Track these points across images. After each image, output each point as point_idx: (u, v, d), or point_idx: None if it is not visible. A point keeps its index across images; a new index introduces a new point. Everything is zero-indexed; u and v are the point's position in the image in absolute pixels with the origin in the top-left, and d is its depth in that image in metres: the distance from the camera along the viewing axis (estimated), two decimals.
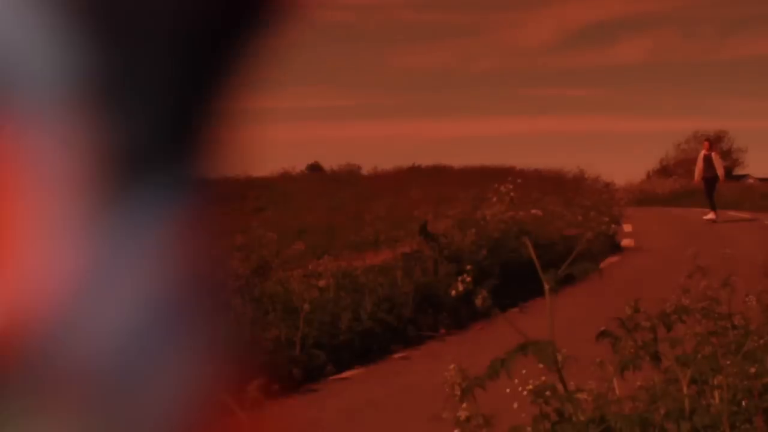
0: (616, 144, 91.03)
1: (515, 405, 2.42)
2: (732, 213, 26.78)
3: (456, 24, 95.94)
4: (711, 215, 22.90)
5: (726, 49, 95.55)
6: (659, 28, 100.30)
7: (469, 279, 1.99)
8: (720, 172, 22.94)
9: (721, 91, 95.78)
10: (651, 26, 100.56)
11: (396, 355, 9.13)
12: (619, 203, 24.47)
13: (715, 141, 37.84)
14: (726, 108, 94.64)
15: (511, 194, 2.45)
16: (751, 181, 52.29)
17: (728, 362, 2.66)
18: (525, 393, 2.23)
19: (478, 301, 1.99)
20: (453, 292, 2.00)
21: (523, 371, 2.24)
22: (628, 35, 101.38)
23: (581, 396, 2.25)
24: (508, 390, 2.33)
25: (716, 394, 2.65)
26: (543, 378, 2.23)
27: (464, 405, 1.96)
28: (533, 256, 2.17)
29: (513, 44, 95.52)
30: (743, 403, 2.67)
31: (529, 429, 2.21)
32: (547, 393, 2.17)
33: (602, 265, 15.72)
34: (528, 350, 1.98)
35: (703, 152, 23.48)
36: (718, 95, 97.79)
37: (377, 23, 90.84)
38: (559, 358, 2.14)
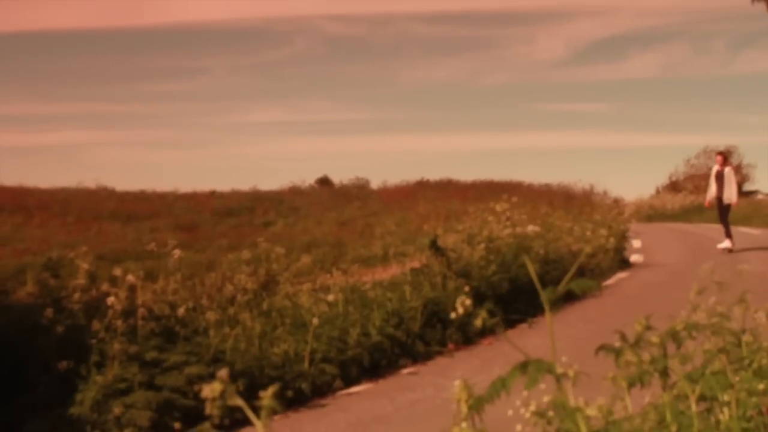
0: (626, 159, 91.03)
1: (519, 428, 2.41)
2: (742, 229, 26.72)
3: (466, 38, 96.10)
4: (726, 243, 19.44)
5: (737, 64, 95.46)
6: (670, 43, 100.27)
7: (469, 302, 1.99)
8: (732, 192, 19.41)
9: (731, 107, 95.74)
10: (661, 41, 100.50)
11: (404, 370, 9.12)
12: (628, 219, 23.83)
13: (728, 155, 36.81)
14: (736, 123, 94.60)
15: (508, 214, 2.42)
16: (761, 196, 52.19)
17: (738, 379, 2.66)
18: (528, 415, 2.22)
19: (477, 322, 1.97)
20: (452, 315, 1.99)
21: (524, 393, 2.23)
22: (638, 50, 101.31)
23: (590, 412, 2.24)
24: (510, 412, 2.33)
25: (725, 410, 2.64)
26: (546, 397, 2.22)
27: (464, 424, 1.95)
28: (533, 273, 2.16)
29: (523, 59, 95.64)
30: (752, 420, 2.66)
31: None
32: (550, 413, 2.16)
33: (611, 280, 15.71)
34: (528, 369, 1.97)
35: (716, 168, 19.88)
36: (728, 110, 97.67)
37: (388, 37, 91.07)
38: (570, 374, 2.14)
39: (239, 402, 1.41)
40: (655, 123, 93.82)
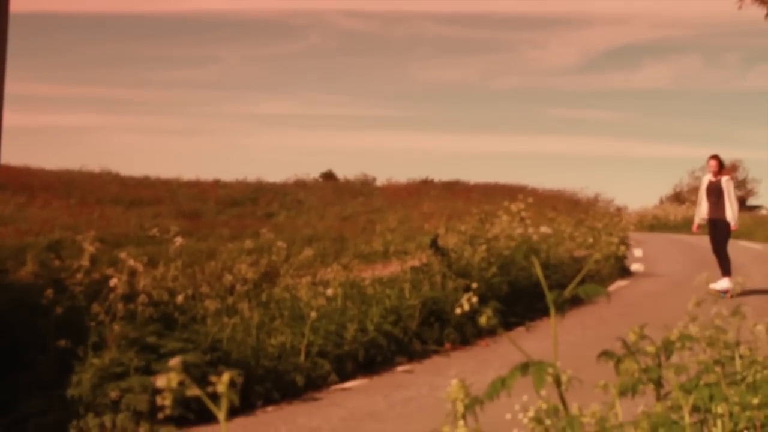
0: (633, 168, 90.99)
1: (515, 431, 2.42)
2: (743, 243, 26.68)
3: (480, 40, 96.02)
4: (723, 283, 13.75)
5: (748, 79, 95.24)
6: (683, 54, 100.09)
7: (475, 299, 1.98)
8: (732, 210, 13.88)
9: (740, 121, 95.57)
10: (674, 53, 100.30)
11: (400, 368, 9.13)
12: (625, 227, 23.64)
13: (730, 169, 35.86)
14: (744, 137, 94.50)
15: (523, 214, 2.40)
16: (764, 212, 52.11)
17: (732, 391, 2.66)
18: (526, 420, 2.23)
19: (482, 320, 1.97)
20: (458, 311, 1.98)
21: (525, 397, 2.23)
22: (651, 60, 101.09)
23: (585, 419, 2.25)
24: (508, 416, 2.33)
25: (719, 423, 2.65)
26: (542, 402, 2.23)
27: (460, 423, 1.95)
28: (540, 275, 2.16)
29: (536, 63, 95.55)
30: None
31: None
32: (548, 422, 2.16)
33: (611, 288, 15.71)
34: (528, 371, 1.96)
35: (708, 178, 14.37)
36: (737, 124, 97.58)
37: (402, 35, 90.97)
38: (564, 379, 2.14)
39: (198, 392, 1.32)
40: (664, 133, 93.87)
